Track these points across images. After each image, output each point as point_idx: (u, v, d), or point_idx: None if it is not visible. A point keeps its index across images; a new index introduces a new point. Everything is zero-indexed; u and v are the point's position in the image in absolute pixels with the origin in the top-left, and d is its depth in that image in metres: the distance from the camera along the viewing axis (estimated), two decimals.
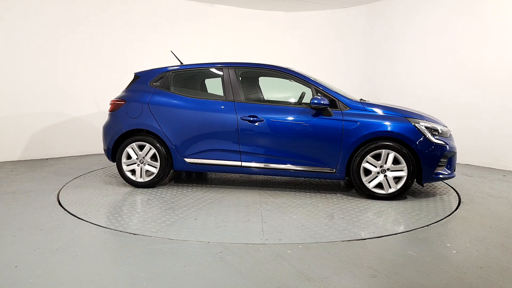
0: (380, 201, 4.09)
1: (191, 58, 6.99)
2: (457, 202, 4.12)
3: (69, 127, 6.78)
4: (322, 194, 4.36)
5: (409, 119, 4.09)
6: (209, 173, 5.43)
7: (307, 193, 4.42)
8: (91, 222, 3.44)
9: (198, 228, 3.31)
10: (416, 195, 4.38)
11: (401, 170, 4.03)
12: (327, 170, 4.20)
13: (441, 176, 4.12)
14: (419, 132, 4.01)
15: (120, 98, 4.68)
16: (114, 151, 4.65)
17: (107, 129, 4.69)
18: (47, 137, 6.61)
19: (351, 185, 4.78)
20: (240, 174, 5.25)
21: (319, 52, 8.56)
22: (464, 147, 6.31)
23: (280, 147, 4.25)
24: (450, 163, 4.19)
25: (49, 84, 6.52)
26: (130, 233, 3.17)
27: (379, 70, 7.72)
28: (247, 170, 4.38)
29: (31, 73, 6.35)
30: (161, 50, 7.09)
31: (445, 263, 2.64)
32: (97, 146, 6.87)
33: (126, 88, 4.81)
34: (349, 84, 7.69)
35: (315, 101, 4.04)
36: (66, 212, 3.73)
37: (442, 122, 4.52)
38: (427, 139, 4.00)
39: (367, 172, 4.11)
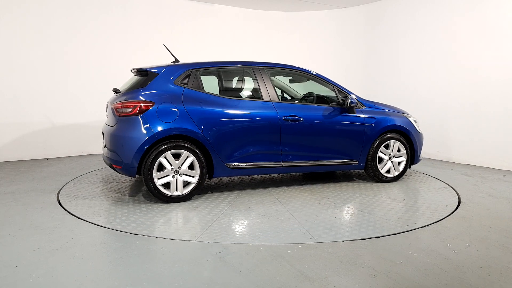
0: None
1: (191, 58, 6.97)
2: (457, 202, 4.12)
3: (69, 127, 6.78)
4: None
5: (404, 115, 4.99)
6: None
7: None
8: (91, 222, 3.44)
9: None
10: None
11: (401, 156, 4.88)
12: (352, 161, 4.70)
13: (421, 159, 5.07)
14: (412, 125, 4.94)
15: (145, 100, 3.90)
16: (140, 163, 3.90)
17: (128, 137, 3.85)
18: (47, 137, 6.60)
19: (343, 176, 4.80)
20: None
21: (319, 52, 8.56)
22: (464, 147, 6.31)
23: (318, 144, 4.52)
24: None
25: (49, 84, 6.51)
26: (130, 233, 3.18)
27: (379, 70, 7.72)
28: (287, 169, 4.47)
29: (31, 73, 6.35)
30: (161, 50, 7.08)
31: (445, 263, 2.64)
32: (97, 146, 6.87)
33: (140, 87, 4.05)
34: (349, 84, 7.67)
35: (353, 101, 4.53)
36: (66, 212, 3.73)
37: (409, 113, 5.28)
38: (416, 130, 4.96)
39: (379, 160, 4.79)
